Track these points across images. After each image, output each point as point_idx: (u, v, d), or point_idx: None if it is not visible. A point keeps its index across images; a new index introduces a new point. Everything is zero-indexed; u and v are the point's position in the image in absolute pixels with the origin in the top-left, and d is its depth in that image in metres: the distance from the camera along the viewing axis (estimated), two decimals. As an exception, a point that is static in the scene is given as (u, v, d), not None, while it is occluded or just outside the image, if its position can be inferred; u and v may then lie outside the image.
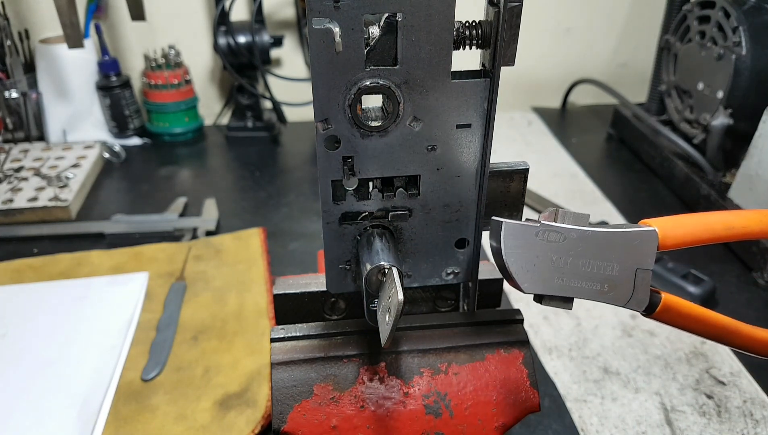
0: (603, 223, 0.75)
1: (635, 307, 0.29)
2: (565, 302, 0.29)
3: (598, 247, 0.28)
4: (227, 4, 0.98)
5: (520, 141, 1.09)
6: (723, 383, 0.56)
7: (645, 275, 0.29)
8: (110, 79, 1.01)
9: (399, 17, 0.28)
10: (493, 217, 0.29)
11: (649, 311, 0.29)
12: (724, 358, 0.59)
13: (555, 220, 0.28)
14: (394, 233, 0.35)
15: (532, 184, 0.88)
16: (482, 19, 0.30)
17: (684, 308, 0.29)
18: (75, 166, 0.91)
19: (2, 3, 0.93)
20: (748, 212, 0.30)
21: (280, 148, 1.05)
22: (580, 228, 0.28)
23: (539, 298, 0.29)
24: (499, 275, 0.40)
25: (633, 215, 0.84)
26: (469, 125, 0.32)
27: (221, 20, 0.98)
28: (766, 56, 0.75)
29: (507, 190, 0.36)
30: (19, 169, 0.89)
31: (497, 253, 0.29)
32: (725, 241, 0.30)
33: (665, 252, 0.35)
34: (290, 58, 1.14)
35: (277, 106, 1.07)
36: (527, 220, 0.29)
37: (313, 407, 0.35)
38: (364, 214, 0.34)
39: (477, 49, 0.31)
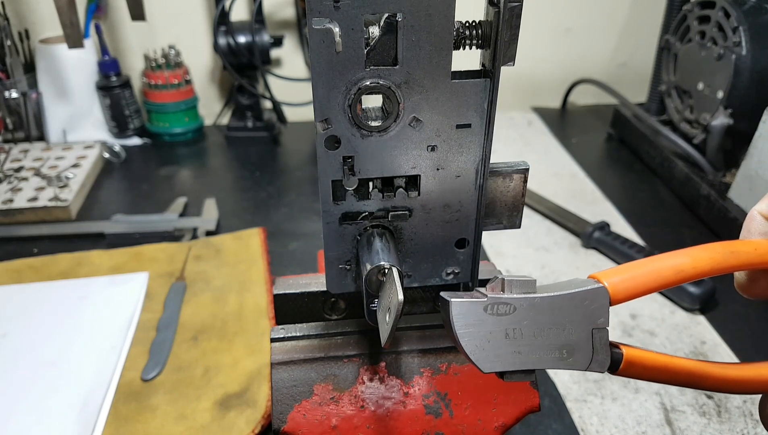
0: (604, 224, 0.76)
1: (597, 368, 0.28)
2: (527, 374, 0.28)
3: (549, 313, 0.27)
4: (227, 4, 0.98)
5: (520, 141, 1.09)
6: (723, 383, 0.56)
7: (602, 334, 0.28)
8: (110, 79, 1.01)
9: (399, 17, 0.28)
10: (441, 293, 0.28)
11: (613, 370, 0.28)
12: (724, 358, 0.59)
13: (503, 290, 0.28)
14: (394, 233, 0.35)
15: (532, 184, 0.88)
16: (482, 19, 0.30)
17: (648, 360, 0.28)
18: (75, 166, 0.91)
19: (2, 3, 0.93)
20: (696, 251, 0.28)
21: (280, 148, 1.05)
22: (528, 296, 0.27)
23: (501, 375, 0.28)
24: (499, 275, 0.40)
25: (633, 215, 0.84)
26: (469, 125, 0.32)
27: (221, 20, 0.98)
28: (766, 56, 0.75)
29: (507, 190, 0.36)
30: (19, 169, 0.89)
31: (450, 330, 0.28)
32: (678, 285, 0.29)
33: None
34: (290, 58, 1.14)
35: (277, 106, 1.07)
36: (476, 290, 0.28)
37: (313, 407, 0.35)
38: (364, 214, 0.34)
39: (477, 49, 0.31)
